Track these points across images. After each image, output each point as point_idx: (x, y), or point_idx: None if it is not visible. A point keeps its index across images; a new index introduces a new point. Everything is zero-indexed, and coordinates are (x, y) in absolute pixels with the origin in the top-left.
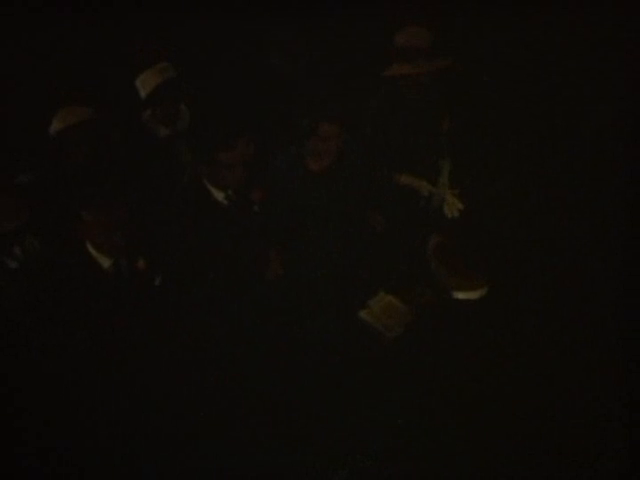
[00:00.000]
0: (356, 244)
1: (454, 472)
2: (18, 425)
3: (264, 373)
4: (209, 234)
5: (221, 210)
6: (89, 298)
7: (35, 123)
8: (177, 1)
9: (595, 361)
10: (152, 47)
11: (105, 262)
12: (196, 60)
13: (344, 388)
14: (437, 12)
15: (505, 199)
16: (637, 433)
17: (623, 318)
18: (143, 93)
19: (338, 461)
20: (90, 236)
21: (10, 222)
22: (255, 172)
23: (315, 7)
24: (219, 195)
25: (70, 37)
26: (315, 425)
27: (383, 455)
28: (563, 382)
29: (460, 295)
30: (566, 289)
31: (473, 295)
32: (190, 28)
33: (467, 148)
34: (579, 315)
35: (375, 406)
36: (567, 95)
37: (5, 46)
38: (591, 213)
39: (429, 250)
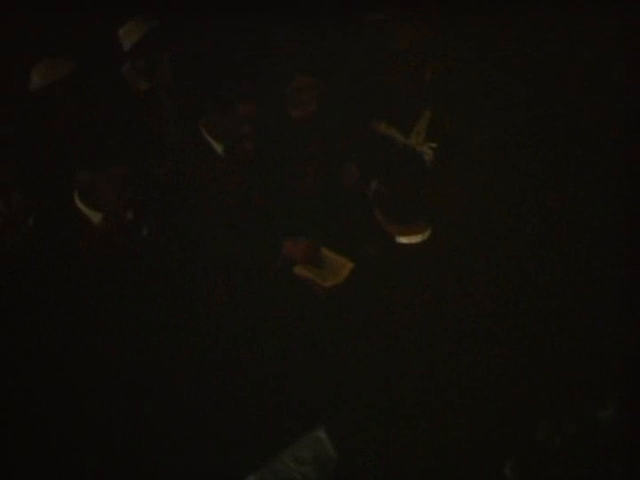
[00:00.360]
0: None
1: (410, 412)
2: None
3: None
4: (197, 183)
5: (213, 160)
6: (77, 251)
7: (15, 76)
8: None
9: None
10: None
11: (95, 217)
12: (181, 10)
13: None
14: None
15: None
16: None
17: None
18: (127, 45)
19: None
20: (79, 191)
21: None
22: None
23: None
24: (218, 147)
25: None
26: (256, 383)
27: (339, 400)
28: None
29: (403, 240)
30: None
31: (415, 239)
32: None
33: (449, 99)
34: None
35: (319, 356)
36: (556, 49)
37: None
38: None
39: (369, 196)
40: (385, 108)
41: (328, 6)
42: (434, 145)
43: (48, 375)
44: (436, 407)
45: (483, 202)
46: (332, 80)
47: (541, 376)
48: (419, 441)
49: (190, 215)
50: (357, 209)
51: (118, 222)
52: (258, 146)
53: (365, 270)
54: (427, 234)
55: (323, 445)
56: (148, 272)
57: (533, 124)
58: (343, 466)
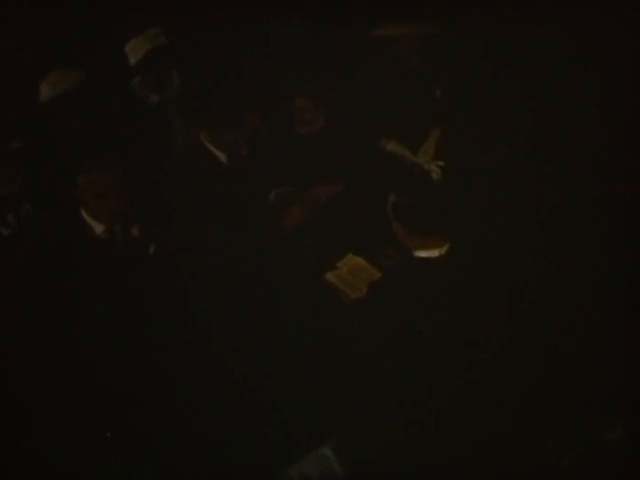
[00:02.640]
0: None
1: (420, 435)
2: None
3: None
4: (206, 197)
5: (221, 170)
6: (82, 265)
7: (26, 89)
8: None
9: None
10: (143, 13)
11: (98, 228)
12: (187, 26)
13: (309, 349)
14: None
15: (480, 169)
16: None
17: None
18: (132, 60)
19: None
20: (84, 201)
21: (3, 188)
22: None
23: None
24: (221, 155)
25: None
26: (264, 400)
27: (347, 417)
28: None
29: (421, 254)
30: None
31: (434, 253)
32: None
33: (459, 117)
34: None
35: (329, 372)
36: (562, 68)
37: None
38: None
39: (388, 209)
40: (394, 126)
41: (338, 22)
42: (442, 163)
43: (49, 386)
44: (447, 426)
45: (498, 216)
46: (340, 97)
47: (550, 398)
48: (427, 460)
49: (198, 231)
50: (371, 223)
51: (122, 236)
52: (265, 158)
53: (382, 284)
54: (445, 248)
55: (329, 462)
56: (154, 288)
57: (539, 134)
58: None
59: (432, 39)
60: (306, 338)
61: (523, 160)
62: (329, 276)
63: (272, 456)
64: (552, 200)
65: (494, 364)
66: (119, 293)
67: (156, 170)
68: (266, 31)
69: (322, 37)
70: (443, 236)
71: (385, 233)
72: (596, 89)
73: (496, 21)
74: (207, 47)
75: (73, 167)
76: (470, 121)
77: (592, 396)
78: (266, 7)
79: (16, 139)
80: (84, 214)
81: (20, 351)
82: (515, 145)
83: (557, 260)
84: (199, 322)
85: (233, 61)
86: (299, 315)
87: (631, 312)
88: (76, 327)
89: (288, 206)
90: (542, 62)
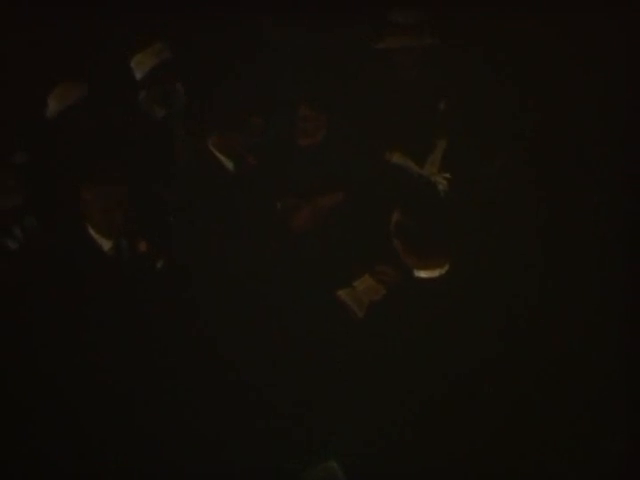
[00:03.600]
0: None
1: (422, 447)
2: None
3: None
4: (213, 211)
5: (228, 182)
6: (89, 281)
7: (31, 102)
8: None
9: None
10: (148, 27)
11: (106, 244)
12: (192, 40)
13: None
14: None
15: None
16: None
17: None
18: (138, 75)
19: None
20: (90, 216)
21: (7, 200)
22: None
23: None
24: (229, 164)
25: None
26: (271, 412)
27: (351, 434)
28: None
29: (422, 274)
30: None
31: (434, 273)
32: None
33: (463, 129)
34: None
35: (334, 387)
36: (565, 79)
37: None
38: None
39: (391, 227)
40: (399, 138)
41: (342, 34)
42: (448, 175)
43: (53, 393)
44: (448, 439)
45: (498, 232)
46: (346, 109)
47: (550, 405)
48: (427, 469)
49: (205, 244)
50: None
51: (129, 251)
52: (271, 167)
53: (382, 304)
54: (446, 268)
55: (334, 474)
56: (162, 301)
57: (540, 140)
58: None
59: (433, 50)
60: (309, 350)
61: (524, 167)
62: (341, 293)
63: (278, 468)
64: (552, 215)
65: (494, 376)
66: (127, 307)
67: (163, 184)
68: (270, 42)
69: (328, 48)
70: (445, 255)
71: (387, 250)
72: (596, 90)
73: (495, 25)
74: (212, 58)
75: (79, 181)
76: (474, 131)
77: (592, 404)
78: (270, 19)
79: (22, 152)
80: (90, 229)
81: (26, 365)
82: (516, 153)
83: (559, 273)
84: (207, 333)
85: (238, 70)
86: (305, 326)
87: (631, 320)
88: (84, 341)
89: (294, 215)
90: (542, 64)
